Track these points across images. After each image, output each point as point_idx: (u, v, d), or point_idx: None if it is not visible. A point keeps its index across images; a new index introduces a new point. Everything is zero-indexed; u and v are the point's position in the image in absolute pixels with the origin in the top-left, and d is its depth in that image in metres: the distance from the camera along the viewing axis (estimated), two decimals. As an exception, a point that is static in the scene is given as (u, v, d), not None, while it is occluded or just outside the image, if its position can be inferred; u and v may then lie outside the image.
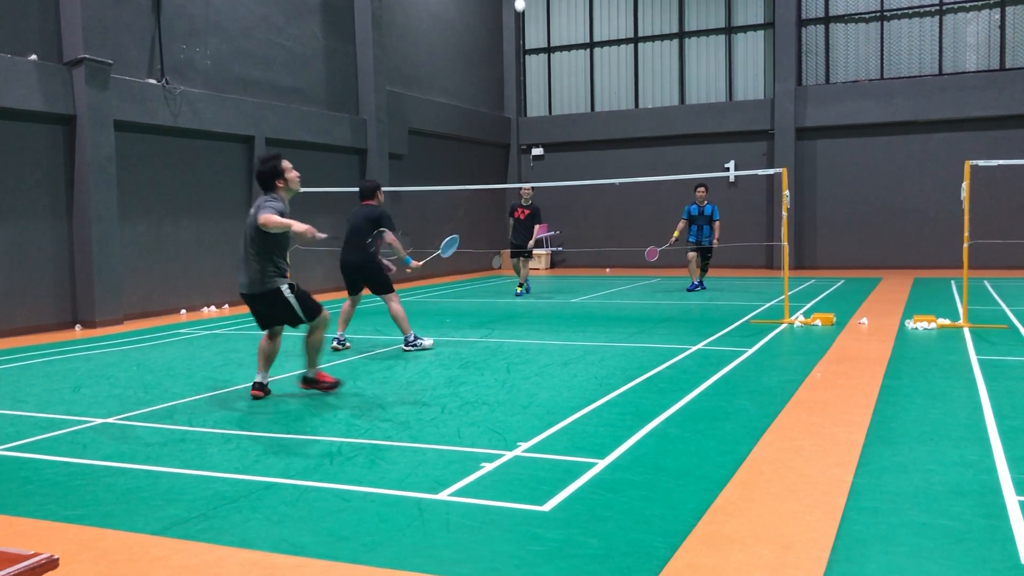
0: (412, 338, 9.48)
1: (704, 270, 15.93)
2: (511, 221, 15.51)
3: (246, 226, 6.87)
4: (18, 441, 5.95)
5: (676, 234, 15.57)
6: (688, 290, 15.66)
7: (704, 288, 15.81)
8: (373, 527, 4.14)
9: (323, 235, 6.58)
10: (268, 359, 7.19)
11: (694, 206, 15.47)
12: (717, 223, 15.36)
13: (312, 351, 7.17)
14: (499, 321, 12.11)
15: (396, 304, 9.41)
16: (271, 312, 6.93)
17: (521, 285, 15.74)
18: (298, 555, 3.83)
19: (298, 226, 6.36)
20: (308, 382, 7.26)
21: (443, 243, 10.21)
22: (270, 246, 6.76)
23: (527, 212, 15.25)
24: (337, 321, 9.68)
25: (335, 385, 7.24)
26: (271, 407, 6.82)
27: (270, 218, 6.39)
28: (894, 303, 13.18)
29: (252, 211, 6.76)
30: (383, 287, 9.39)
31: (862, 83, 20.80)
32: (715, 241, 15.33)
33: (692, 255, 15.61)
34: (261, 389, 7.12)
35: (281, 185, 6.91)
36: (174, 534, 4.12)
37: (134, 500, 4.63)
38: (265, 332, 7.19)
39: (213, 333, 11.51)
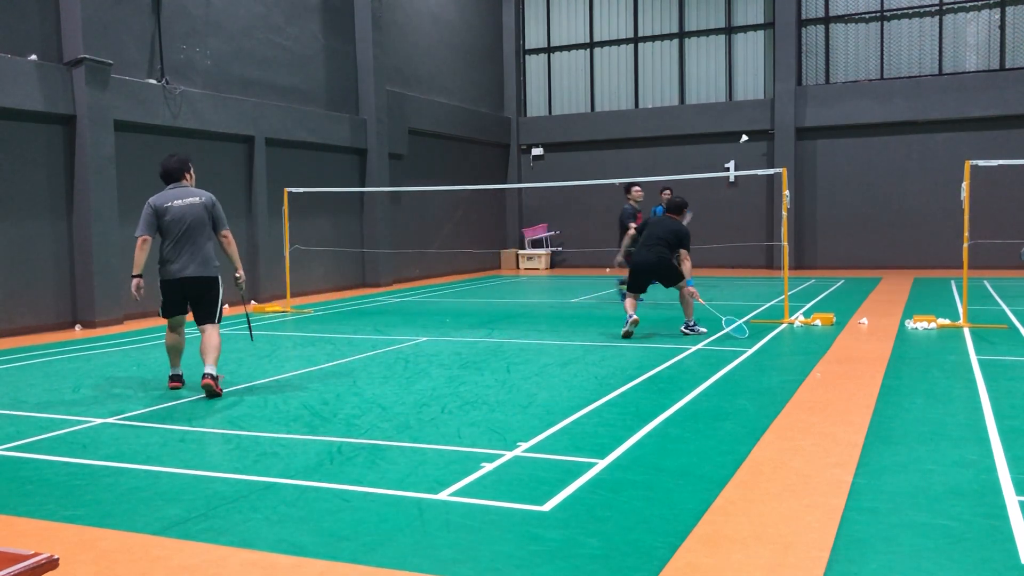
0: (692, 323, 10.31)
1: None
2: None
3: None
4: (18, 441, 5.95)
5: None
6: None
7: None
8: (373, 527, 4.14)
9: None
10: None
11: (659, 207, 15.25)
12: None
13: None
14: (499, 321, 12.11)
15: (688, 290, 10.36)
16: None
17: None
18: (298, 555, 3.83)
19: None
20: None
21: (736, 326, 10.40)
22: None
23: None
24: (626, 308, 10.17)
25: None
26: (271, 407, 6.82)
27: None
28: (894, 303, 13.18)
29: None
30: (676, 278, 10.31)
31: (862, 83, 20.80)
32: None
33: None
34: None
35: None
36: (174, 534, 4.12)
37: (134, 500, 4.63)
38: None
39: (213, 333, 11.49)
